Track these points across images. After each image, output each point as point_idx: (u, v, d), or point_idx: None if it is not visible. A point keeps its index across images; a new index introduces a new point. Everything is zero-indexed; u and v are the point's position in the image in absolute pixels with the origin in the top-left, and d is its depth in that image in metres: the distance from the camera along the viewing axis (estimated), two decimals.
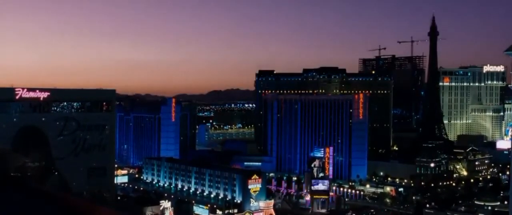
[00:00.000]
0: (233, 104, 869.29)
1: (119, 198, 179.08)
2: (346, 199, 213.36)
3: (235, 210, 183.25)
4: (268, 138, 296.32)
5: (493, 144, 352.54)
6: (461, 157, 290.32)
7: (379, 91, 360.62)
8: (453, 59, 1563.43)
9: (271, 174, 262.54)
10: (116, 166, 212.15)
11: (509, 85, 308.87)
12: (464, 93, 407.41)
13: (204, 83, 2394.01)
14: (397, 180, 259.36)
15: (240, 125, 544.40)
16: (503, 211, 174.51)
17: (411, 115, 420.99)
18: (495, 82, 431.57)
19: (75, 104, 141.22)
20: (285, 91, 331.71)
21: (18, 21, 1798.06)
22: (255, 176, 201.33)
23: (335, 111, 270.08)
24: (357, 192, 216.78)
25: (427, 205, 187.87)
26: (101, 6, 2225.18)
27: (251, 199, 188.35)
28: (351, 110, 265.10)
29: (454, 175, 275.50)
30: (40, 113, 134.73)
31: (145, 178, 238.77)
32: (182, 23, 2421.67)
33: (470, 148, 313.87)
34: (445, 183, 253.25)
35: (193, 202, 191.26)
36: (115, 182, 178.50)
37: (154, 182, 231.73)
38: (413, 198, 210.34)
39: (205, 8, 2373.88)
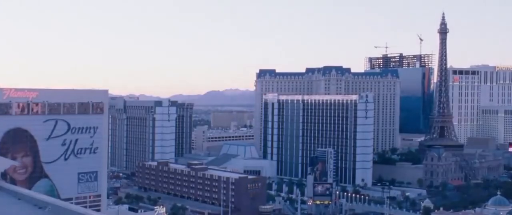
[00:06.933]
0: (232, 105, 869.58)
1: (111, 204, 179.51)
2: (350, 204, 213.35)
3: None
4: (268, 140, 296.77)
5: (505, 146, 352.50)
6: (472, 160, 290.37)
7: (385, 92, 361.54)
8: (463, 58, 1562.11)
9: (272, 178, 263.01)
10: (108, 170, 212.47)
11: None
12: (474, 94, 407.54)
13: (202, 83, 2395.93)
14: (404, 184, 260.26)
15: (239, 127, 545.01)
16: None
17: (419, 116, 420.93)
18: (507, 82, 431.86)
19: (65, 105, 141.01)
20: (286, 91, 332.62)
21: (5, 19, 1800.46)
22: (254, 180, 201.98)
23: (339, 112, 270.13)
24: (362, 196, 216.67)
25: (436, 210, 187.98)
26: (95, 4, 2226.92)
27: (251, 204, 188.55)
28: (355, 111, 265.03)
29: (464, 179, 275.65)
30: (28, 114, 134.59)
31: (139, 183, 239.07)
32: (180, 22, 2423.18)
33: (481, 150, 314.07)
34: (454, 187, 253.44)
35: (189, 207, 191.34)
36: (108, 187, 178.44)
37: (148, 187, 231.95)
38: (421, 202, 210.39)
39: (204, 6, 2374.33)
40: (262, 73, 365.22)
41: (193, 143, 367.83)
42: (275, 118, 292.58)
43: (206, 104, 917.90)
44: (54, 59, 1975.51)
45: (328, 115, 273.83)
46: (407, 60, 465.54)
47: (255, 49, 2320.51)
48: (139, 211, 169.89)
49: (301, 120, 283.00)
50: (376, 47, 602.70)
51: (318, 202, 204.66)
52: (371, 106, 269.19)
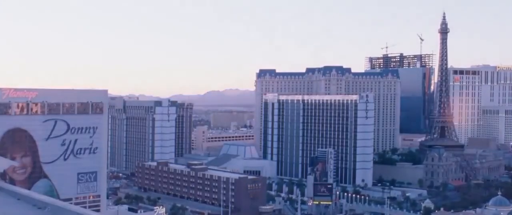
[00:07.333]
0: (232, 105, 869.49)
1: (111, 204, 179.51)
2: (351, 204, 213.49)
3: None
4: (268, 140, 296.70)
5: (506, 146, 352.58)
6: (472, 160, 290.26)
7: (385, 91, 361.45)
8: (463, 58, 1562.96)
9: (272, 178, 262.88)
10: (108, 170, 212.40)
11: None
12: (475, 94, 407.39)
13: (202, 83, 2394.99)
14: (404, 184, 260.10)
15: (239, 127, 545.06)
16: None
17: (419, 116, 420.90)
18: (508, 82, 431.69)
19: (65, 105, 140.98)
20: (286, 91, 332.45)
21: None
22: (254, 180, 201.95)
23: (339, 112, 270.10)
24: (362, 196, 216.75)
25: (436, 211, 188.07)
26: (95, 4, 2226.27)
27: (251, 204, 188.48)
28: (356, 111, 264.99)
29: (465, 180, 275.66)
30: (27, 114, 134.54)
31: (138, 183, 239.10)
32: (180, 22, 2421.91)
33: (482, 151, 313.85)
34: (455, 188, 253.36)
35: (189, 208, 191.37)
36: (107, 187, 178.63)
37: (148, 187, 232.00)
38: (422, 203, 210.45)
39: (204, 6, 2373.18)
40: (262, 73, 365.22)
41: (193, 143, 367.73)
42: (275, 118, 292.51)
43: (206, 105, 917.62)
44: (54, 59, 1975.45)
45: (328, 115, 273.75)
46: (407, 60, 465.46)
47: (255, 49, 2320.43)
48: (139, 211, 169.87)
49: (301, 120, 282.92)
50: (382, 48, 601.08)
51: (318, 203, 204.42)
52: (371, 106, 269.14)
